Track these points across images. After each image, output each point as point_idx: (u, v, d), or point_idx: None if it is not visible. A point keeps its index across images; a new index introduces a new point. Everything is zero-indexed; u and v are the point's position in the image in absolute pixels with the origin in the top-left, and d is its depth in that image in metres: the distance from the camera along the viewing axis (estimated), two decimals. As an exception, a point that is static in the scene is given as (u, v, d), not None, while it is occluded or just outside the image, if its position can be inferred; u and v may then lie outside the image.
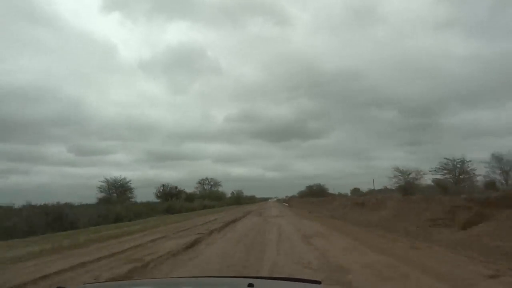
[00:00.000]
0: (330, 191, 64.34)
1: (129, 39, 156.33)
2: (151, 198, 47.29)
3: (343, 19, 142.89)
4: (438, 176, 27.31)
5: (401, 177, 30.05)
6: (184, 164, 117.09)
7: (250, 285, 1.45)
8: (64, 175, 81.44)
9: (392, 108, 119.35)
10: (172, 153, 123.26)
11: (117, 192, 41.46)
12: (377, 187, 44.18)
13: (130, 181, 42.90)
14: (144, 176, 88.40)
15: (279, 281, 1.98)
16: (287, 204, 58.26)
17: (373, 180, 44.95)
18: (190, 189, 62.11)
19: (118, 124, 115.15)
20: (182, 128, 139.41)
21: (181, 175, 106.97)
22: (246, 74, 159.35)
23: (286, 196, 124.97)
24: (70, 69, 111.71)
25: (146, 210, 29.67)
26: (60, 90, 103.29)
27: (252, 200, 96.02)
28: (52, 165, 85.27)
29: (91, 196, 37.91)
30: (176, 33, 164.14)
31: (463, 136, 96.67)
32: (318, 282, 1.74)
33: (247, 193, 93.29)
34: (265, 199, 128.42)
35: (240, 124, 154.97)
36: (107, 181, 41.73)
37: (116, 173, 74.78)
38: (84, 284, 2.39)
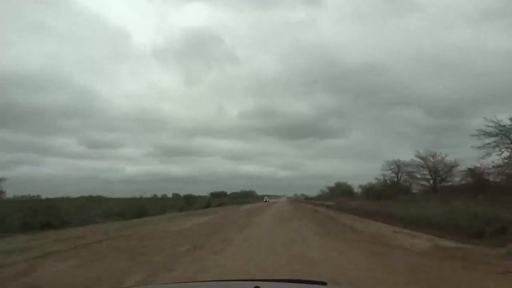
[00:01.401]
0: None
1: (142, 23, 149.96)
2: (160, 192, 47.33)
3: (375, 3, 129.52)
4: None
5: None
6: (194, 160, 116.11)
7: (256, 287, 1.47)
8: (76, 168, 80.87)
9: (417, 107, 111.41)
10: (182, 148, 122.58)
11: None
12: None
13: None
14: (153, 171, 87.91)
15: (285, 283, 1.92)
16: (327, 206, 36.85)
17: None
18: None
19: (128, 116, 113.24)
20: (194, 122, 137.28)
21: (191, 171, 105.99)
22: (264, 64, 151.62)
23: (295, 195, 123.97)
24: (80, 56, 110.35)
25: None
26: (70, 78, 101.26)
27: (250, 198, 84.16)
28: (63, 157, 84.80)
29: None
30: (193, 16, 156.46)
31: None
32: (324, 283, 1.73)
33: (258, 191, 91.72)
34: (275, 197, 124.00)
35: (253, 120, 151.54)
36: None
37: (126, 168, 74.27)
38: None
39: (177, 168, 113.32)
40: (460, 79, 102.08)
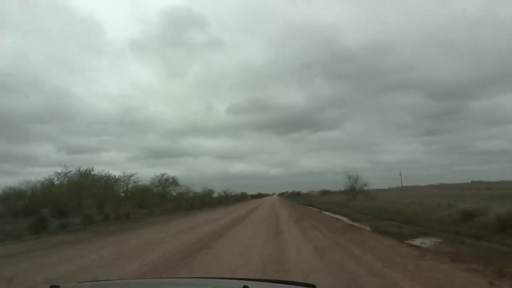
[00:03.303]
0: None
1: (115, 10, 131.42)
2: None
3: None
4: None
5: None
6: (182, 161, 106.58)
7: (245, 287, 1.47)
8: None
9: (418, 91, 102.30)
10: (169, 150, 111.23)
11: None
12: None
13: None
14: (140, 175, 77.13)
15: (274, 284, 2.02)
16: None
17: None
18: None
19: (109, 118, 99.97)
20: (180, 122, 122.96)
21: (179, 173, 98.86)
22: (252, 51, 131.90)
23: (287, 192, 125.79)
24: (50, 54, 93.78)
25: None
26: (41, 79, 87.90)
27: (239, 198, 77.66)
28: (41, 166, 76.34)
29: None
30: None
31: (493, 122, 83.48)
32: (313, 286, 1.73)
33: (250, 191, 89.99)
34: (261, 196, 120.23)
35: (243, 116, 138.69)
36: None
37: (112, 173, 65.00)
38: (78, 282, 2.45)
39: (165, 171, 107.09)
40: (466, 58, 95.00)
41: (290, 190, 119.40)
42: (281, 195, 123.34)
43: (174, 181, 42.46)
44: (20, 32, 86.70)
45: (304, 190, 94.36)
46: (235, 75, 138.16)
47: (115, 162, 79.03)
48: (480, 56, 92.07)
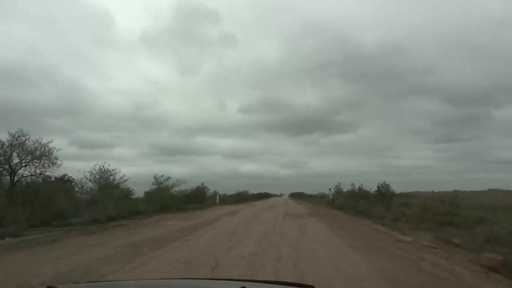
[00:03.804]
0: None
1: (127, 2, 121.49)
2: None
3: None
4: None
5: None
6: (191, 159, 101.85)
7: None
8: (68, 170, 68.52)
9: (436, 95, 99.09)
10: (180, 147, 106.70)
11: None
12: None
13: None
14: (150, 172, 75.75)
15: (272, 285, 2.01)
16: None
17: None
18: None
19: (121, 113, 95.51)
20: (192, 119, 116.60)
21: (189, 171, 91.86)
22: (266, 49, 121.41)
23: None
24: (62, 45, 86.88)
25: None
26: (52, 71, 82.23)
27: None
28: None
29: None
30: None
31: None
32: (311, 287, 1.73)
33: (259, 191, 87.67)
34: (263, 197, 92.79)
35: (256, 116, 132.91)
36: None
37: (122, 169, 63.60)
38: (74, 284, 2.43)
39: (175, 168, 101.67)
40: (490, 61, 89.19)
41: (298, 191, 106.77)
42: (293, 195, 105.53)
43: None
44: (32, 23, 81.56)
45: (312, 191, 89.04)
46: (248, 73, 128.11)
47: (126, 158, 72.80)
48: (506, 59, 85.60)
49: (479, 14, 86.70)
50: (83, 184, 22.05)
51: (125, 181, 24.34)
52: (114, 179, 23.69)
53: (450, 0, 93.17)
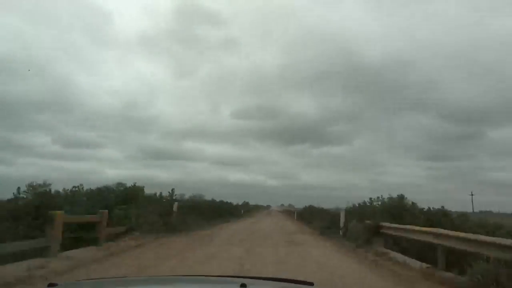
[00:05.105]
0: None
1: (126, 0, 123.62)
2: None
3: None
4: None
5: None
6: (179, 164, 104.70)
7: (243, 285, 1.45)
8: (50, 169, 70.55)
9: (434, 112, 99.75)
10: (168, 151, 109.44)
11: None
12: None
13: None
14: (136, 175, 77.80)
15: (272, 282, 2.02)
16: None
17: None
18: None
19: (109, 113, 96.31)
20: (183, 123, 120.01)
21: (176, 176, 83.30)
22: (266, 55, 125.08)
23: (282, 205, 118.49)
24: (54, 39, 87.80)
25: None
26: (43, 65, 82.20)
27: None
28: (34, 157, 75.36)
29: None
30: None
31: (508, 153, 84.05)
32: (311, 284, 1.74)
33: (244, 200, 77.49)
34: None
35: (248, 122, 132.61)
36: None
37: (108, 171, 66.09)
38: (76, 280, 2.43)
39: (164, 174, 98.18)
40: (490, 81, 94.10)
41: (286, 204, 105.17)
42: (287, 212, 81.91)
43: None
44: (23, 15, 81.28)
45: (300, 205, 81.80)
46: (245, 78, 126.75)
47: (111, 160, 76.76)
48: (508, 81, 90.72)
49: (483, 34, 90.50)
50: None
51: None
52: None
53: (456, 18, 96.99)
